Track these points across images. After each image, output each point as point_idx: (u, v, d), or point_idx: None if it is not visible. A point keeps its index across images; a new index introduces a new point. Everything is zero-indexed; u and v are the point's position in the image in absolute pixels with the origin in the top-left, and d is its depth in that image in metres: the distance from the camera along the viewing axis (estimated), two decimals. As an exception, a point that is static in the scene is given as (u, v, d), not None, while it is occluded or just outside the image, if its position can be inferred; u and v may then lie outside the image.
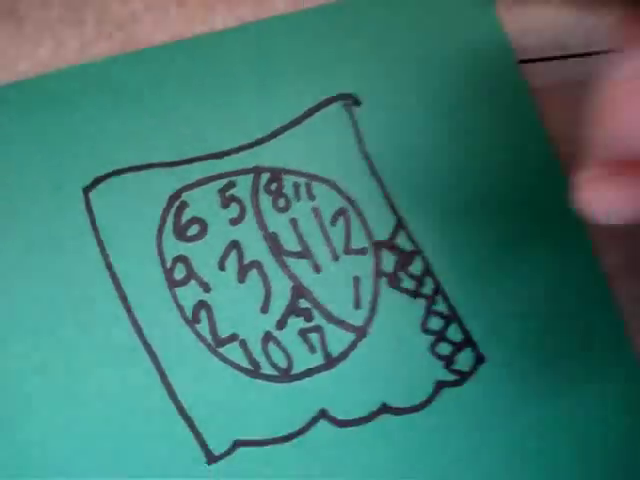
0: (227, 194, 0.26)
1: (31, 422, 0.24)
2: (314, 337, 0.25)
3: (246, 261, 0.25)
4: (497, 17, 0.26)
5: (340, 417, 0.24)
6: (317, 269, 0.25)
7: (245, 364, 0.25)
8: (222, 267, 0.25)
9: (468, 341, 0.25)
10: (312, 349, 0.25)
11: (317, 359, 0.25)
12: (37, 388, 0.24)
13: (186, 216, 0.25)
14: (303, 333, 0.25)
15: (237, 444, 0.24)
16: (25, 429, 0.24)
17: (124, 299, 0.25)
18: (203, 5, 0.26)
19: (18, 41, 0.25)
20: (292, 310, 0.25)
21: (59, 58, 0.25)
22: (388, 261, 0.25)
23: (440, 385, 0.25)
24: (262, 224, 0.25)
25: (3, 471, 0.23)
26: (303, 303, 0.25)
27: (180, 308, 0.25)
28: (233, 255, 0.25)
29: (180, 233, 0.25)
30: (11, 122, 0.25)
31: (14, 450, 0.24)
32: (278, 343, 0.25)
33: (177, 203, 0.25)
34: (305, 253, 0.25)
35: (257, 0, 0.27)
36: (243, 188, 0.26)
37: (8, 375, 0.24)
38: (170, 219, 0.25)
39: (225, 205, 0.26)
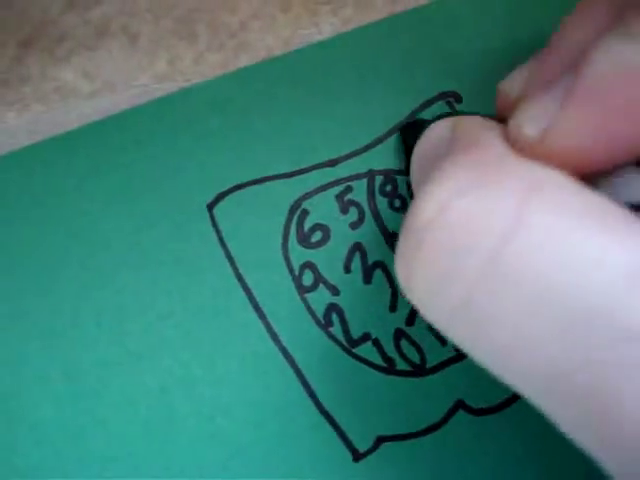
0: (345, 199, 0.26)
1: (178, 434, 0.24)
2: (443, 331, 0.26)
3: (370, 262, 0.26)
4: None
5: (477, 406, 0.25)
6: (438, 265, 0.26)
7: (380, 362, 0.26)
8: (348, 270, 0.26)
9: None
10: (442, 342, 0.26)
11: (448, 351, 0.26)
12: (182, 401, 0.24)
13: (308, 223, 0.26)
14: (432, 327, 0.26)
15: (380, 440, 0.25)
16: (172, 442, 0.24)
17: (258, 309, 0.25)
18: (307, 10, 0.27)
19: (134, 56, 0.25)
20: (419, 307, 0.26)
21: (175, 70, 0.25)
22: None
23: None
24: (381, 225, 0.26)
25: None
26: (429, 299, 0.26)
27: (312, 313, 0.25)
28: (357, 257, 0.26)
29: (304, 240, 0.26)
30: (130, 148, 0.25)
31: (161, 464, 0.24)
32: (410, 339, 0.26)
33: (298, 212, 0.26)
34: (425, 250, 0.26)
35: (358, 0, 0.27)
36: (359, 192, 0.26)
37: (151, 391, 0.24)
38: (293, 228, 0.26)
39: (344, 210, 0.26)
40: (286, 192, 0.26)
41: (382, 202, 0.26)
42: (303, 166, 0.26)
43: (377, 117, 0.27)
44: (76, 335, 0.24)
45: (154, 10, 0.26)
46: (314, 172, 0.26)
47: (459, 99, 0.27)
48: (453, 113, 0.25)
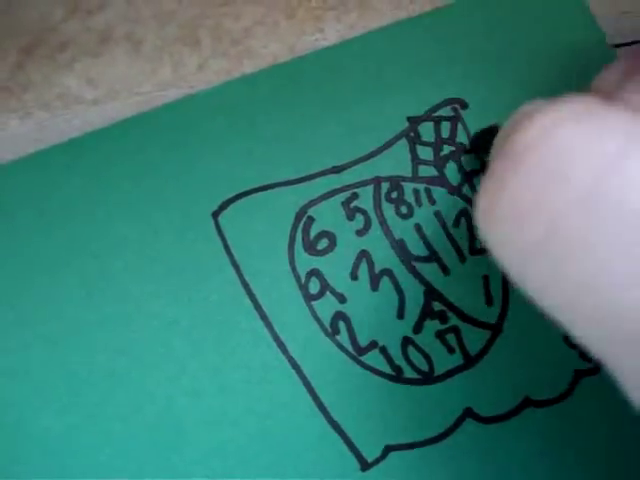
0: (351, 206, 0.26)
1: (184, 444, 0.24)
2: (451, 338, 0.26)
3: (377, 270, 0.26)
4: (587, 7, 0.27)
5: (485, 414, 0.25)
6: (445, 271, 0.26)
7: (387, 370, 0.25)
8: (354, 277, 0.26)
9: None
10: (450, 350, 0.26)
11: (456, 359, 0.26)
12: (188, 411, 0.24)
13: (314, 231, 0.26)
14: (440, 335, 0.26)
15: (388, 449, 0.25)
16: (178, 451, 0.24)
17: (264, 317, 0.25)
18: (311, 16, 0.26)
19: (138, 63, 0.25)
20: (427, 313, 0.26)
21: (179, 77, 0.25)
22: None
23: (579, 374, 0.26)
24: (388, 232, 0.26)
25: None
26: (437, 306, 0.26)
27: (319, 321, 0.25)
28: (364, 265, 0.26)
29: (310, 248, 0.25)
30: (134, 155, 0.25)
31: (167, 473, 0.24)
32: (417, 347, 0.25)
33: (304, 219, 0.26)
34: (433, 257, 0.26)
35: (362, 6, 0.27)
36: (365, 199, 0.26)
37: (157, 400, 0.24)
38: (299, 235, 0.25)
39: (350, 217, 0.26)
40: (291, 199, 0.25)
41: (388, 209, 0.26)
42: (308, 173, 0.26)
43: (382, 123, 0.27)
44: (80, 343, 0.23)
45: (158, 17, 0.25)
46: (319, 179, 0.26)
47: (465, 105, 0.27)
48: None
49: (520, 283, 0.14)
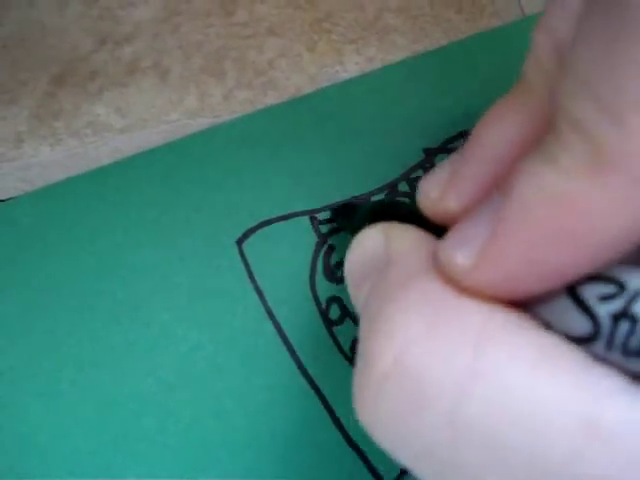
0: (370, 233, 0.27)
1: (210, 466, 0.24)
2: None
3: (395, 296, 0.26)
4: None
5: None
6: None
7: (405, 395, 0.26)
8: (373, 303, 0.26)
9: None
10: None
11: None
12: (212, 432, 0.24)
13: (334, 259, 0.26)
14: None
15: (406, 470, 0.25)
16: (203, 473, 0.24)
17: (286, 342, 0.25)
18: (332, 48, 0.27)
19: (165, 93, 0.26)
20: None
21: (205, 106, 0.26)
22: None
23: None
24: (405, 259, 0.27)
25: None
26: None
27: (339, 346, 0.26)
28: (382, 291, 0.26)
29: (331, 275, 0.26)
30: (161, 183, 0.25)
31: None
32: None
33: (324, 248, 0.26)
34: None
35: (381, 40, 0.28)
36: (384, 226, 0.27)
37: (183, 422, 0.24)
38: (319, 263, 0.26)
39: (369, 244, 0.27)
40: (312, 228, 0.26)
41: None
42: (329, 203, 0.26)
43: (400, 154, 0.27)
44: (109, 366, 0.24)
45: (184, 48, 0.26)
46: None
47: (478, 136, 0.28)
48: (379, 207, 0.25)
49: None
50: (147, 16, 0.26)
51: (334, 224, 0.26)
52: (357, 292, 0.17)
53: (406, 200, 0.27)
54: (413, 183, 0.27)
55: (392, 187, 0.27)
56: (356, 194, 0.27)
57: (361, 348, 0.14)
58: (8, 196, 0.24)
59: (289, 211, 0.26)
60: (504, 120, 0.16)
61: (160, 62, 0.26)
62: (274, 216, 0.26)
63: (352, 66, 0.27)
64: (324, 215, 0.26)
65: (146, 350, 0.24)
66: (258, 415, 0.25)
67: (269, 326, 0.25)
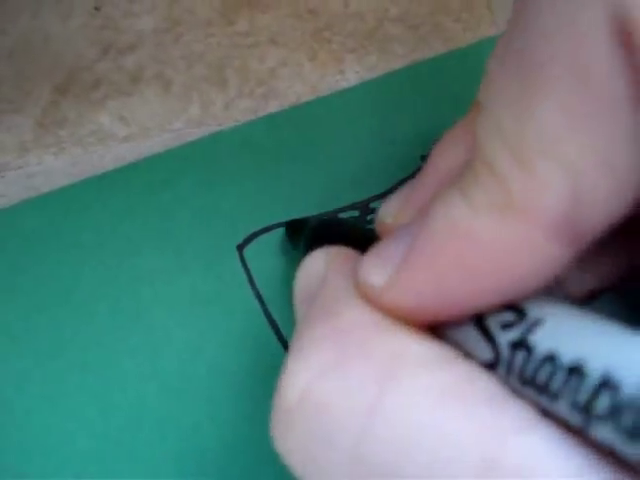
0: (373, 240, 0.27)
1: (210, 471, 0.25)
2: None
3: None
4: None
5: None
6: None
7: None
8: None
9: None
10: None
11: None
12: (213, 438, 0.25)
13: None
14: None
15: None
16: (203, 478, 0.25)
17: (287, 347, 0.26)
18: (332, 58, 0.28)
19: (168, 102, 0.26)
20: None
21: (208, 115, 0.26)
22: None
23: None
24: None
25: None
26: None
27: (339, 351, 0.26)
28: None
29: (331, 279, 0.26)
30: (163, 190, 0.26)
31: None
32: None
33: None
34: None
35: (381, 49, 0.28)
36: (386, 233, 0.27)
37: (183, 427, 0.25)
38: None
39: (369, 250, 0.27)
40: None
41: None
42: (329, 209, 0.27)
43: (400, 161, 0.28)
44: (112, 371, 0.24)
45: (186, 57, 0.26)
46: (339, 215, 0.27)
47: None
48: (335, 224, 0.25)
49: None
50: (150, 26, 0.27)
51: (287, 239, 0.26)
52: (298, 315, 0.17)
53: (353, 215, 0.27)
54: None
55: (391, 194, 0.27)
56: (356, 200, 0.27)
57: (279, 379, 0.14)
58: (13, 203, 0.24)
59: (290, 217, 0.27)
60: (459, 144, 0.16)
61: (163, 71, 0.26)
62: (275, 222, 0.26)
63: (352, 75, 0.28)
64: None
65: (148, 355, 0.24)
66: (259, 421, 0.25)
67: (269, 331, 0.26)
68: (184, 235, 0.26)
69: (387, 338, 0.13)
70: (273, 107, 0.27)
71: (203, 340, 0.25)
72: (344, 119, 0.27)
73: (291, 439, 0.13)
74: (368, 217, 0.27)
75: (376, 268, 0.14)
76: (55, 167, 0.25)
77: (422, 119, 0.28)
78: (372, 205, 0.27)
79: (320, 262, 0.17)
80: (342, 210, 0.27)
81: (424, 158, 0.28)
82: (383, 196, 0.27)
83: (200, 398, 0.25)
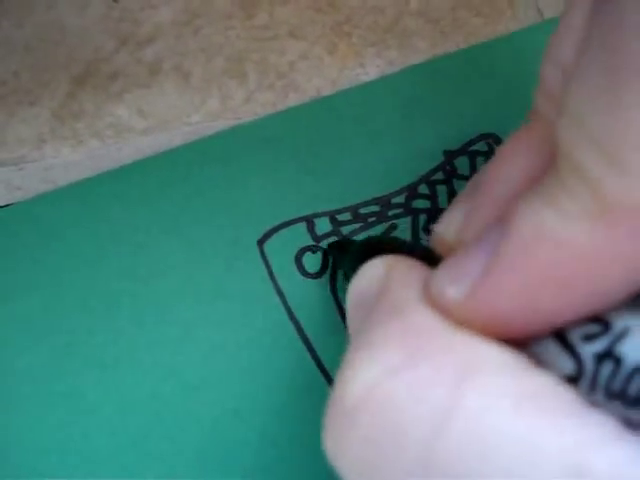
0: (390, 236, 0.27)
1: (230, 467, 0.24)
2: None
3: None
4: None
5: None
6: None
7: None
8: (394, 305, 0.26)
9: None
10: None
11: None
12: (233, 432, 0.24)
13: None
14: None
15: None
16: (225, 473, 0.24)
17: (307, 343, 0.25)
18: (352, 51, 0.27)
19: (187, 94, 0.26)
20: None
21: (227, 108, 0.26)
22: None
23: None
24: (425, 262, 0.27)
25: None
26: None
27: (359, 348, 0.26)
28: (403, 293, 0.26)
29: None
30: (182, 184, 0.25)
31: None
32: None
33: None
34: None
35: (401, 43, 0.28)
36: (403, 230, 0.27)
37: (204, 423, 0.24)
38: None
39: (389, 246, 0.26)
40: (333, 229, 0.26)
41: (426, 240, 0.27)
42: (349, 204, 0.26)
43: (421, 156, 0.27)
44: (130, 367, 0.24)
45: (205, 50, 0.26)
46: (360, 210, 0.26)
47: (498, 141, 0.28)
48: (384, 241, 0.24)
49: None
50: (168, 18, 0.26)
51: (330, 257, 0.26)
52: (353, 317, 0.17)
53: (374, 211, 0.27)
54: (433, 185, 0.27)
55: (412, 189, 0.27)
56: (377, 195, 0.27)
57: (338, 375, 0.14)
58: (30, 197, 0.24)
59: (310, 212, 0.26)
60: (518, 155, 0.15)
61: (182, 64, 0.26)
62: (295, 217, 0.26)
63: (373, 69, 0.27)
64: (345, 216, 0.26)
65: (168, 350, 0.24)
66: (279, 416, 0.25)
67: (290, 326, 0.25)
68: (203, 229, 0.25)
69: (462, 341, 0.12)
70: (293, 101, 0.26)
71: (223, 336, 0.25)
72: (364, 113, 0.27)
73: (351, 440, 0.12)
74: (389, 213, 0.27)
75: (453, 280, 0.13)
76: (72, 160, 0.25)
77: (443, 114, 0.28)
78: (394, 201, 0.27)
79: (379, 268, 0.16)
80: (363, 205, 0.27)
81: (446, 153, 0.27)
82: (404, 191, 0.27)
83: (220, 394, 0.24)
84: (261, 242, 0.26)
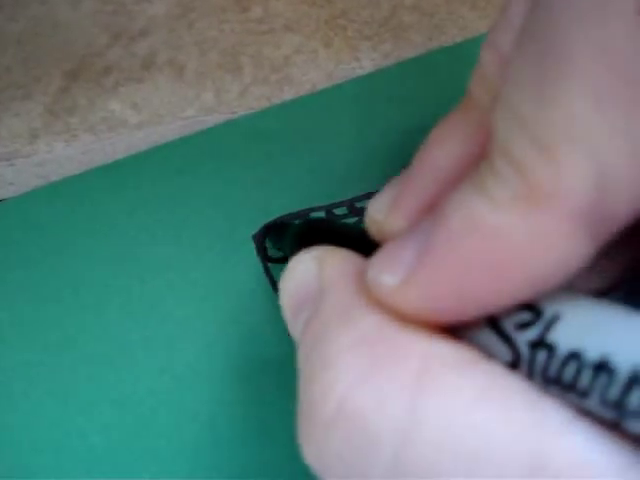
0: (386, 229, 0.26)
1: (227, 462, 0.24)
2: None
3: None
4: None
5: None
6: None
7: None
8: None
9: None
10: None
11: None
12: (229, 429, 0.24)
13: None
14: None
15: None
16: (219, 469, 0.24)
17: (302, 338, 0.25)
18: (348, 45, 0.27)
19: (181, 88, 0.25)
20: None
21: (222, 102, 0.26)
22: None
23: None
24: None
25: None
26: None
27: (356, 343, 0.25)
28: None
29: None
30: (177, 178, 0.25)
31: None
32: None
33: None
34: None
35: (396, 36, 0.28)
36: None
37: (200, 418, 0.24)
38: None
39: (385, 241, 0.26)
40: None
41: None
42: (345, 198, 0.26)
43: (416, 149, 0.27)
44: (124, 363, 0.23)
45: (199, 44, 0.26)
46: (356, 203, 0.26)
47: (494, 134, 0.28)
48: (306, 227, 0.23)
49: None
50: (162, 12, 0.26)
51: (267, 241, 0.26)
52: (294, 322, 0.17)
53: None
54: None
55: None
56: (373, 189, 0.27)
57: (303, 389, 0.14)
58: (23, 192, 0.24)
59: (305, 206, 0.26)
60: (450, 138, 0.16)
61: (176, 58, 0.25)
62: (290, 211, 0.26)
63: (368, 62, 0.27)
64: (341, 210, 0.26)
65: (162, 346, 0.24)
66: (275, 412, 0.24)
67: (284, 322, 0.25)
68: (198, 224, 0.25)
69: (413, 341, 0.13)
70: (288, 95, 0.26)
71: (218, 331, 0.24)
72: (359, 107, 0.27)
73: (329, 453, 0.13)
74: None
75: (388, 267, 0.13)
76: (65, 155, 0.24)
77: (438, 107, 0.28)
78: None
79: (311, 264, 0.16)
80: (359, 199, 0.26)
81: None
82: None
83: (215, 390, 0.24)
84: (256, 237, 0.25)
